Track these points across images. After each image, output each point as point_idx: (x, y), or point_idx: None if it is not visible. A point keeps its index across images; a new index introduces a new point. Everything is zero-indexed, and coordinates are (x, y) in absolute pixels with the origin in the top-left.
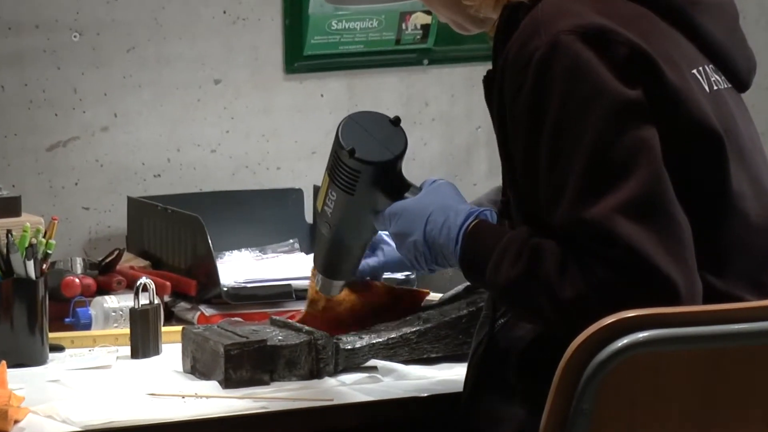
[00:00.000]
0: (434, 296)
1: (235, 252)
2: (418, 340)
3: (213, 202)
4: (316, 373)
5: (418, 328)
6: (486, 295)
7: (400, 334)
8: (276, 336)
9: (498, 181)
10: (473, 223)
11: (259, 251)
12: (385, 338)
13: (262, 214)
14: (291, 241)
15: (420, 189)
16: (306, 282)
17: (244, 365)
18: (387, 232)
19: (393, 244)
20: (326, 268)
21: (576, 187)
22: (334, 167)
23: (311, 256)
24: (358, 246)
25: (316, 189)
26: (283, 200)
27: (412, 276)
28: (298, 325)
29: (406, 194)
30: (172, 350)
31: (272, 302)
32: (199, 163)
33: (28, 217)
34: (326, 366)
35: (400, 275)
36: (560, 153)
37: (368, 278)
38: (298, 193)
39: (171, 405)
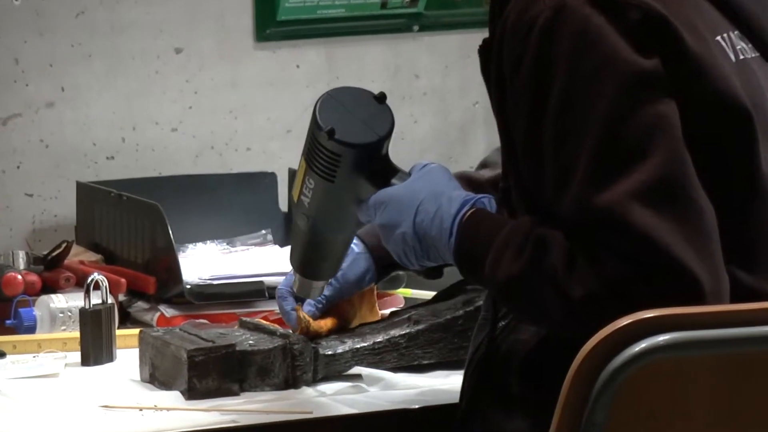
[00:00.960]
0: (426, 294)
1: (200, 245)
2: (407, 344)
3: (174, 188)
4: (292, 382)
5: (407, 330)
6: (485, 293)
7: (388, 337)
8: (246, 340)
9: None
10: (469, 212)
11: (227, 244)
12: (371, 342)
13: (231, 202)
14: (263, 232)
15: (409, 174)
16: (279, 279)
17: (210, 373)
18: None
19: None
20: (304, 266)
21: (585, 170)
22: (311, 151)
23: (286, 249)
24: (341, 241)
25: (292, 173)
26: (255, 186)
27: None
28: (271, 327)
29: (393, 180)
30: (127, 356)
31: (242, 302)
32: (158, 143)
33: None
34: (304, 374)
35: None
36: (567, 132)
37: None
38: (271, 177)
39: (127, 419)
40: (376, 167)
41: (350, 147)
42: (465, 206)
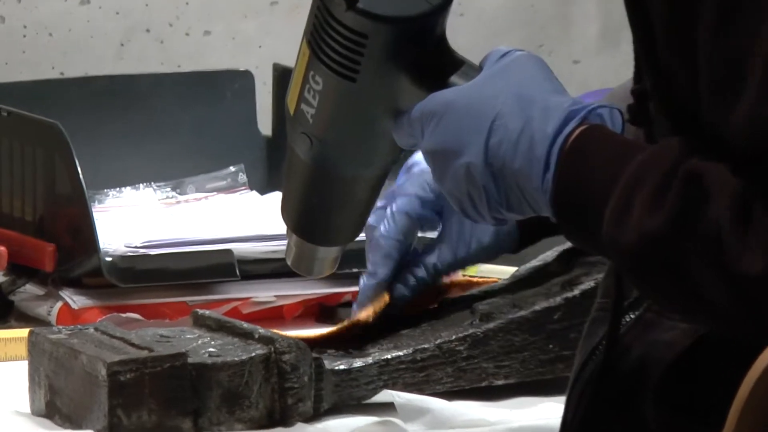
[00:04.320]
0: (502, 270)
1: (128, 190)
2: (470, 353)
3: (86, 98)
4: (279, 416)
5: (471, 331)
6: (602, 266)
7: (439, 342)
8: (205, 347)
9: (619, 57)
10: (578, 130)
11: (173, 188)
12: (410, 350)
13: (178, 120)
14: (232, 169)
15: (480, 69)
16: (259, 246)
17: (144, 402)
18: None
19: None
20: (304, 222)
21: (766, 67)
22: (318, 31)
23: (274, 196)
24: (365, 180)
25: (282, 71)
26: (217, 93)
27: None
28: (245, 326)
29: (453, 78)
30: (10, 374)
31: (198, 284)
32: (59, 24)
33: None
34: (299, 402)
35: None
36: (734, 6)
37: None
38: (244, 78)
39: None
40: (425, 57)
41: (384, 22)
42: (571, 121)
